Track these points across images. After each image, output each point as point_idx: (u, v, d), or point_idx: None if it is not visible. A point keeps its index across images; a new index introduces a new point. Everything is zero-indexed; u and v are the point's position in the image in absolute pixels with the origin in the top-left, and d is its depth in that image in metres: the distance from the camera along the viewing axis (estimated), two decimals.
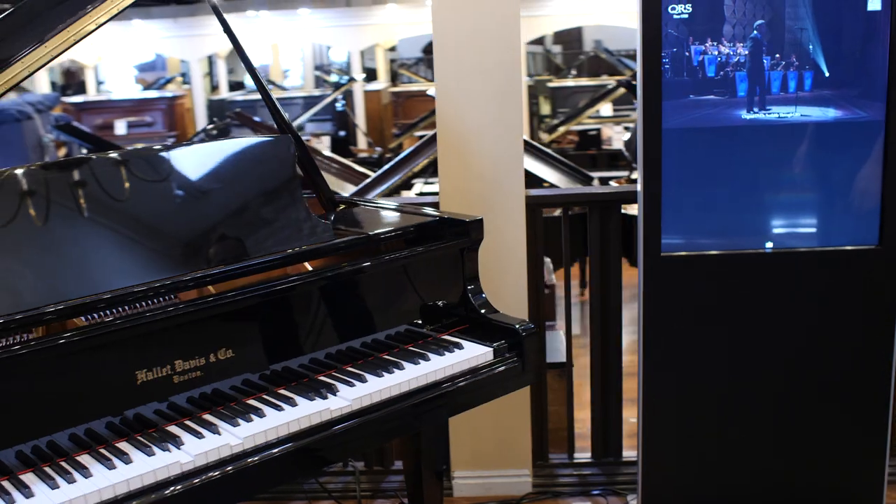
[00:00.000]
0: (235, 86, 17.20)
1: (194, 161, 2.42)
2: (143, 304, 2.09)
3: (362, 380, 2.27)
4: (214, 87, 16.49)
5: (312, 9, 14.66)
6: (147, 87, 17.87)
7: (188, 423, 2.02)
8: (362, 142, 13.24)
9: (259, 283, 2.23)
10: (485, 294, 2.62)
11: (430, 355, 2.41)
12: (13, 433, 1.85)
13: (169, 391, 2.04)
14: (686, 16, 2.65)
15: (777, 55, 2.63)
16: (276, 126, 2.81)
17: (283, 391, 2.19)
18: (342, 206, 2.90)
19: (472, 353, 2.44)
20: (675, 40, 2.65)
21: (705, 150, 2.74)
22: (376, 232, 2.51)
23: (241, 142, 2.51)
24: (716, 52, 2.62)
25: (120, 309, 2.05)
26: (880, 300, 2.80)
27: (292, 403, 2.12)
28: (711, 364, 2.89)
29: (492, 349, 2.46)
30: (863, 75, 2.65)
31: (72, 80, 17.76)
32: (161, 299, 2.12)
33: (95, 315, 2.03)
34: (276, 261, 2.30)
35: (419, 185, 7.45)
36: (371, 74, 16.65)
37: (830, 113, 2.68)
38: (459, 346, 2.47)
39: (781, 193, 2.78)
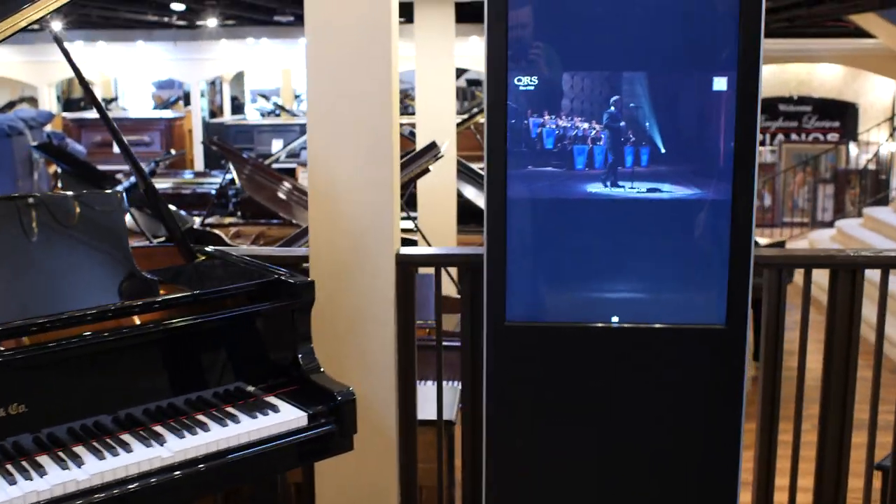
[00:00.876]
0: (236, 109, 17.39)
1: (25, 213, 2.43)
2: None
3: (160, 440, 2.26)
4: (214, 111, 16.64)
5: None
6: (161, 104, 18.11)
7: None
8: None
9: (65, 337, 2.24)
10: (314, 355, 2.62)
11: (242, 416, 2.41)
12: None
13: None
14: (532, 88, 2.64)
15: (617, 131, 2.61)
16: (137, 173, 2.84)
17: (75, 448, 2.18)
18: (202, 258, 2.90)
19: (286, 417, 2.44)
20: (514, 112, 2.64)
21: (550, 220, 2.73)
22: (202, 290, 2.52)
23: (72, 196, 2.52)
24: (553, 126, 2.61)
25: None
26: (727, 380, 2.76)
27: (78, 463, 2.11)
28: (553, 440, 2.85)
29: (306, 414, 2.45)
30: (705, 154, 2.63)
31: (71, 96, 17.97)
32: None
33: None
34: (77, 317, 2.31)
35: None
36: None
37: (676, 190, 2.66)
38: (276, 409, 2.47)
39: (627, 267, 2.75)
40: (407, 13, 8.83)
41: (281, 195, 7.43)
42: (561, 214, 2.72)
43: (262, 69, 18.13)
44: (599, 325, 2.77)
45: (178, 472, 2.20)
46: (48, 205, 2.44)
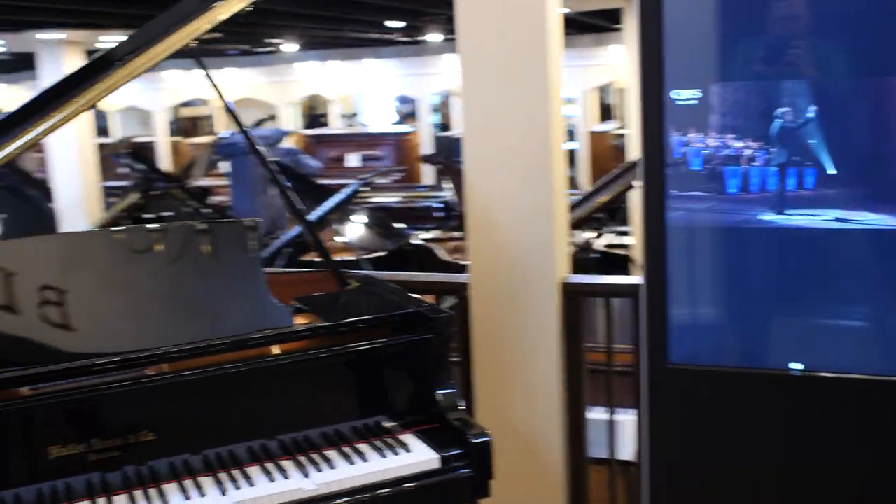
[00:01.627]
0: None
1: (157, 243, 2.44)
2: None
3: (284, 475, 2.20)
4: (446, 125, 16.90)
5: None
6: (401, 118, 18.67)
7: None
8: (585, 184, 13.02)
9: (202, 366, 2.23)
10: (454, 392, 2.46)
11: (371, 455, 2.29)
12: None
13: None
14: (695, 102, 2.35)
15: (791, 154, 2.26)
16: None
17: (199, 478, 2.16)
18: (355, 284, 2.83)
19: (416, 458, 2.29)
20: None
21: (719, 251, 2.41)
22: (325, 323, 2.44)
23: (203, 226, 2.50)
24: (730, 145, 2.30)
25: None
26: None
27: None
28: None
29: (439, 456, 2.30)
30: None
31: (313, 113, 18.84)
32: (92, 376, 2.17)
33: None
34: (208, 347, 2.29)
35: (609, 236, 7.13)
36: (606, 113, 16.38)
37: (869, 218, 2.26)
38: (407, 449, 2.33)
39: (817, 306, 2.38)
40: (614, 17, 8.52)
41: None
42: (737, 245, 2.40)
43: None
44: (777, 371, 2.41)
45: None
46: (184, 234, 2.45)
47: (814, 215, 2.30)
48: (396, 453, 2.30)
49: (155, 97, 14.70)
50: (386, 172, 12.14)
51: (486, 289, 3.06)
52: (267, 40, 11.76)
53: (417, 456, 2.30)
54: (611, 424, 3.14)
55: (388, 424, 2.42)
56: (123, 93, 15.16)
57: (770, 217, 2.34)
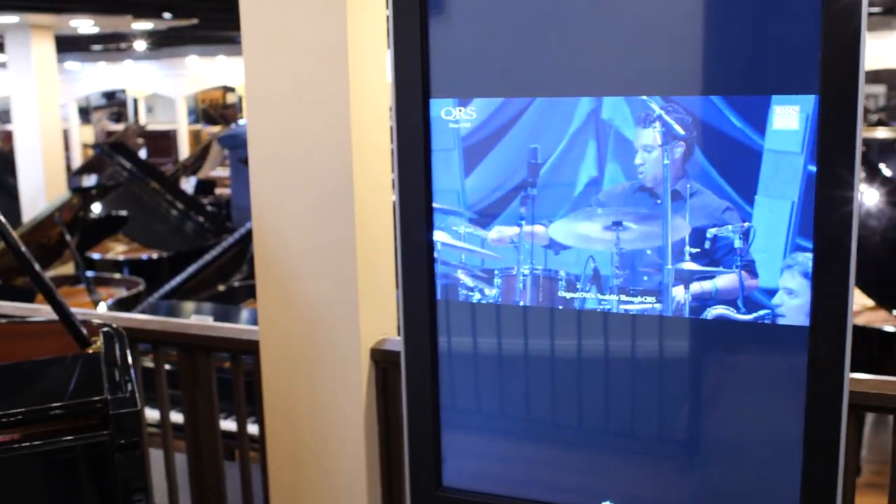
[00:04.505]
0: None
1: None
2: None
3: None
4: None
5: None
6: None
7: None
8: None
9: None
10: None
11: None
12: None
13: None
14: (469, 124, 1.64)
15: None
16: None
17: None
18: (97, 346, 2.17)
19: None
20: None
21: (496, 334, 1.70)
22: None
23: None
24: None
25: None
26: None
27: None
28: None
29: None
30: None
31: None
32: None
33: None
34: None
35: None
36: None
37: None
38: None
39: (618, 426, 1.65)
40: None
41: None
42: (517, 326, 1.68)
43: None
44: None
45: None
46: None
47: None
48: None
49: (176, 84, 14.31)
50: None
51: (279, 353, 2.39)
52: None
53: None
54: None
55: None
56: (147, 80, 14.89)
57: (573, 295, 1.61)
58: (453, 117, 1.65)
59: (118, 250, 8.01)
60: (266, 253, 2.36)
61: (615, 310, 1.60)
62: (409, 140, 1.69)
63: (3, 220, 2.09)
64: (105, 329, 2.22)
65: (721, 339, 1.56)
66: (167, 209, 8.18)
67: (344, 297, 2.27)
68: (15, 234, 2.15)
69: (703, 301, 1.54)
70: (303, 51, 2.21)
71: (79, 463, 1.78)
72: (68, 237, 6.04)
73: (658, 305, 1.57)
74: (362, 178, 2.23)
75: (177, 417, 3.11)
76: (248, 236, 5.96)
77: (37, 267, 2.15)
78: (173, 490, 2.73)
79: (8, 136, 13.55)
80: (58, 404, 1.80)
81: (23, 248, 2.14)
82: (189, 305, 4.96)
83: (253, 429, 2.79)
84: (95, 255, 7.61)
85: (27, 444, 1.73)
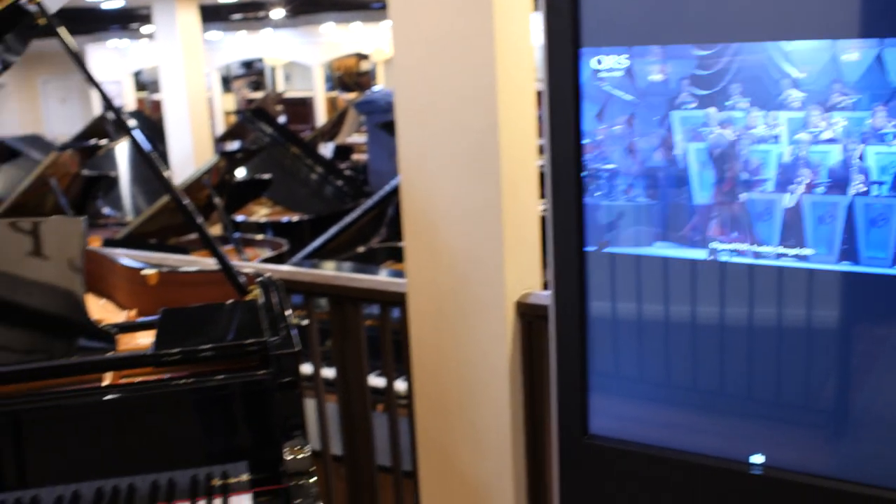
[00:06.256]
0: None
1: None
2: None
3: None
4: None
5: None
6: None
7: None
8: None
9: None
10: (304, 449, 1.90)
11: None
12: None
13: None
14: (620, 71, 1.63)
15: None
16: None
17: None
18: (255, 294, 2.30)
19: None
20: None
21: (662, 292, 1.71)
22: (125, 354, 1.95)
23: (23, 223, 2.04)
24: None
25: None
26: None
27: None
28: None
29: None
30: None
31: None
32: None
33: None
34: None
35: None
36: None
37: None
38: None
39: (779, 380, 1.63)
40: None
41: None
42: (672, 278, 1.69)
43: None
44: (733, 464, 1.69)
45: None
46: None
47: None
48: None
49: (313, 52, 14.63)
50: None
51: (426, 306, 2.46)
52: None
53: None
54: None
55: (218, 482, 1.90)
56: (284, 48, 15.24)
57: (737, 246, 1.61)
58: (606, 66, 1.66)
59: (261, 213, 8.31)
60: (414, 207, 2.42)
61: (778, 264, 1.58)
62: (559, 92, 1.70)
63: (170, 178, 2.23)
64: (261, 279, 2.35)
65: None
66: (307, 173, 8.42)
67: (490, 250, 2.31)
68: (178, 191, 2.29)
69: None
70: (448, 7, 2.25)
71: (239, 400, 1.90)
72: (216, 199, 6.31)
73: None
74: (508, 133, 2.26)
75: (327, 373, 3.25)
76: (386, 199, 6.09)
77: (199, 219, 2.28)
78: (325, 435, 2.87)
79: (157, 106, 14.20)
80: (222, 344, 1.93)
81: (186, 202, 2.28)
82: (330, 265, 5.13)
83: (400, 385, 2.88)
84: (239, 218, 7.93)
85: (194, 380, 1.87)
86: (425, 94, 2.33)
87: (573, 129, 1.70)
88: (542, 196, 2.15)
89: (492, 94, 2.23)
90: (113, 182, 8.23)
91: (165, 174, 2.26)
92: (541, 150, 1.91)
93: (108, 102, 2.24)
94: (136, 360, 1.92)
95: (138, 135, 2.21)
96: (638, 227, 1.70)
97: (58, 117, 17.12)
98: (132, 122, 2.25)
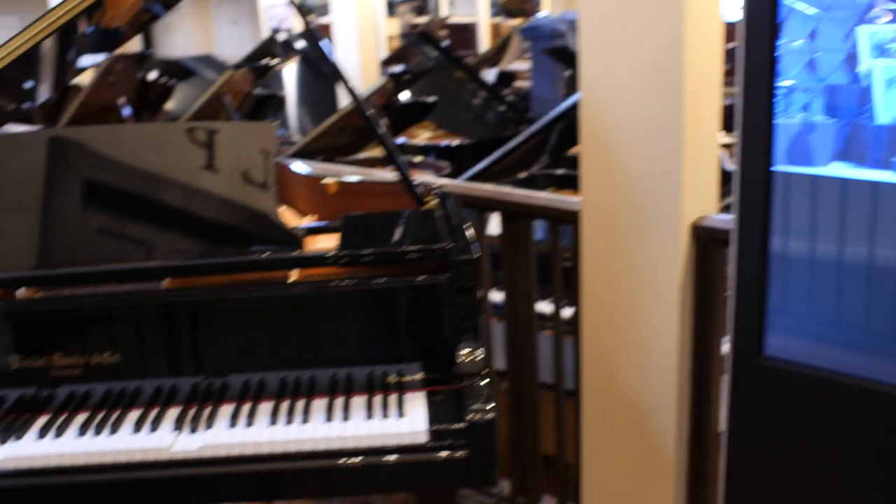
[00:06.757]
0: None
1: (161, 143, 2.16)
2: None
3: (249, 422, 1.90)
4: None
5: None
6: None
7: None
8: None
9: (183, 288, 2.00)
10: (479, 352, 1.98)
11: (356, 414, 1.93)
12: None
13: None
14: None
15: None
16: None
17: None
18: (432, 204, 2.38)
19: (398, 429, 1.88)
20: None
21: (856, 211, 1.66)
22: (305, 254, 2.08)
23: (216, 125, 2.16)
24: None
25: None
26: None
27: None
28: None
29: (427, 430, 1.86)
30: None
31: None
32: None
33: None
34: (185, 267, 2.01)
35: None
36: None
37: None
38: (400, 414, 1.92)
39: None
40: None
41: None
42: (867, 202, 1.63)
43: None
44: None
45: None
46: (189, 133, 2.13)
47: None
48: (386, 416, 1.90)
49: None
50: None
51: (599, 223, 2.47)
52: None
53: (402, 425, 1.88)
54: None
55: (394, 379, 2.01)
56: None
57: None
58: None
59: (423, 136, 8.43)
60: (593, 124, 2.42)
61: None
62: (755, 9, 1.66)
63: (357, 91, 2.31)
64: (437, 190, 2.43)
65: None
66: (470, 98, 8.45)
67: (667, 171, 2.29)
68: (363, 100, 2.36)
69: None
70: None
71: (417, 303, 1.99)
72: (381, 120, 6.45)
73: None
74: (693, 51, 2.22)
75: (495, 297, 3.31)
76: (550, 126, 6.05)
77: (382, 129, 2.36)
78: (489, 351, 2.95)
79: (323, 29, 14.49)
80: (407, 248, 2.01)
81: (369, 113, 2.36)
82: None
83: (565, 312, 2.91)
84: (400, 140, 8.07)
85: (384, 279, 1.97)
86: (610, 5, 2.30)
87: (768, 47, 1.65)
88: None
89: (678, 5, 2.18)
90: (281, 102, 8.50)
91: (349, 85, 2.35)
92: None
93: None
94: (325, 260, 2.03)
95: (327, 47, 2.31)
96: (815, 146, 1.66)
97: (229, 39, 17.73)
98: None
